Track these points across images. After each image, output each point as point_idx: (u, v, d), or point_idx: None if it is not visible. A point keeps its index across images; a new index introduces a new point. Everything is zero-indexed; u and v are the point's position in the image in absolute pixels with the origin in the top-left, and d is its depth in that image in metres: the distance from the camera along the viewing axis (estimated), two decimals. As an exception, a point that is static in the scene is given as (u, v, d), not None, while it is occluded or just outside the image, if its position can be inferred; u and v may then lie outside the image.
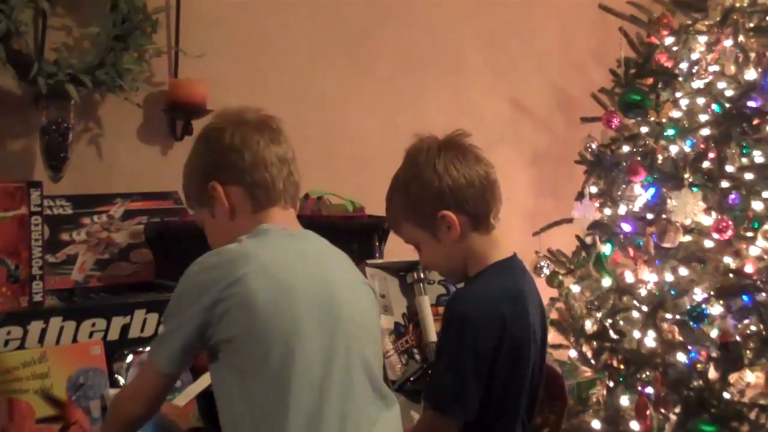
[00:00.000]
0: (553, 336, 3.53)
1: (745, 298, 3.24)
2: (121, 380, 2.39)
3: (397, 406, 1.95)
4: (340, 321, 1.84)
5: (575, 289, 3.68)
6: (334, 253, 1.99)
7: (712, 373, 3.24)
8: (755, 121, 3.32)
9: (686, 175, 3.37)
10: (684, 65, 3.58)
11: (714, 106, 3.43)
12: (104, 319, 2.40)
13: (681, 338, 3.34)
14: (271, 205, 1.93)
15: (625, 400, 3.42)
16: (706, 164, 3.41)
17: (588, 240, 3.66)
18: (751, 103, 3.35)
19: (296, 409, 1.73)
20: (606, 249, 3.63)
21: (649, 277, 3.47)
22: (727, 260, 3.33)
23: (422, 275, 2.63)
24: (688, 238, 3.41)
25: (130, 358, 2.41)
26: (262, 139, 1.94)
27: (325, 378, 1.78)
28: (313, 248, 1.95)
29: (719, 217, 3.28)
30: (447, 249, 2.03)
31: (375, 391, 1.88)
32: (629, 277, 3.56)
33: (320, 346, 1.79)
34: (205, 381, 2.39)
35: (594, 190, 3.71)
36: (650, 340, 3.40)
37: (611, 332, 3.50)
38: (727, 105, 3.38)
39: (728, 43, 3.46)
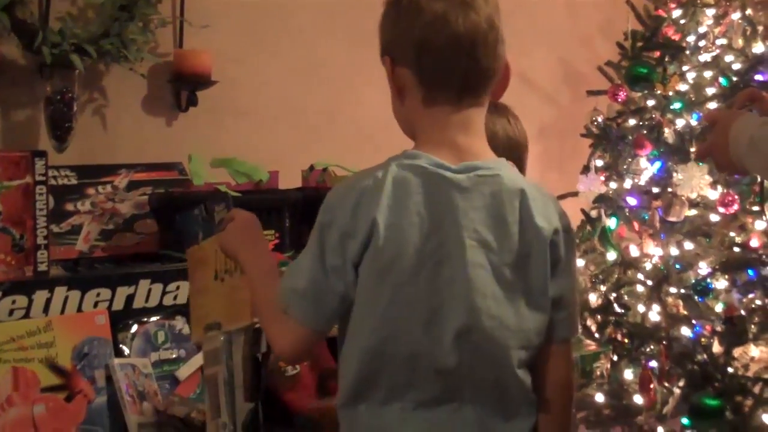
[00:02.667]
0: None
1: (750, 272, 3.23)
2: (126, 350, 2.39)
3: None
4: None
5: (580, 262, 3.67)
6: (503, 230, 1.57)
7: (717, 347, 3.23)
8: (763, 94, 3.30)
9: (692, 149, 3.35)
10: (691, 38, 3.55)
11: (721, 80, 3.42)
12: (109, 289, 2.41)
13: (685, 312, 3.33)
14: (444, 103, 1.57)
15: (629, 374, 3.41)
16: (712, 138, 3.39)
17: (593, 214, 3.65)
18: (758, 77, 3.33)
19: None
20: (611, 223, 3.61)
21: (654, 251, 3.46)
22: (733, 234, 3.32)
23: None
24: (693, 212, 3.39)
25: (134, 327, 2.42)
26: (443, 10, 1.53)
27: None
28: (474, 218, 1.55)
29: (725, 191, 3.27)
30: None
31: None
32: (634, 251, 3.55)
33: None
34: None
35: (600, 163, 3.69)
36: (655, 314, 3.39)
37: (616, 306, 3.49)
38: (735, 78, 3.36)
39: (736, 16, 3.45)
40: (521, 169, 2.11)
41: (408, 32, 1.56)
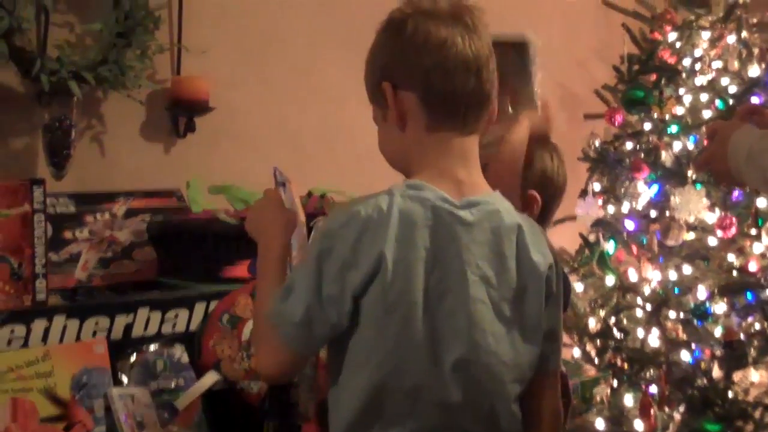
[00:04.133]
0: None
1: (749, 296, 3.24)
2: (125, 379, 2.38)
3: None
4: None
5: (579, 287, 3.68)
6: (501, 265, 1.59)
7: (717, 372, 3.23)
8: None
9: (690, 172, 3.36)
10: (687, 61, 3.58)
11: (717, 103, 3.44)
12: (107, 317, 2.39)
13: (685, 336, 3.34)
14: (450, 128, 1.59)
15: (629, 399, 3.41)
16: (710, 161, 3.39)
17: (591, 238, 3.65)
18: (754, 99, 3.34)
19: None
20: (609, 247, 3.62)
21: (652, 275, 3.47)
22: (731, 258, 3.33)
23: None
24: (691, 235, 3.40)
25: (133, 356, 2.40)
26: (450, 36, 1.57)
27: None
28: (477, 253, 1.57)
29: (723, 214, 3.28)
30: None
31: None
32: (633, 275, 3.55)
33: None
34: (209, 380, 2.38)
35: (597, 187, 3.70)
36: (654, 339, 3.39)
37: (615, 330, 3.49)
38: (731, 101, 3.38)
39: (731, 39, 3.48)
40: (549, 210, 2.11)
41: (415, 57, 1.57)
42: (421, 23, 1.58)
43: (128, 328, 2.42)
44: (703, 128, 3.42)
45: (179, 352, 2.46)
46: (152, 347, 2.44)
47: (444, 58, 1.56)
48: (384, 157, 1.70)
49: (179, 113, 3.05)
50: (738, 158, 1.81)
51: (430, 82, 1.57)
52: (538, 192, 2.04)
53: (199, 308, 2.53)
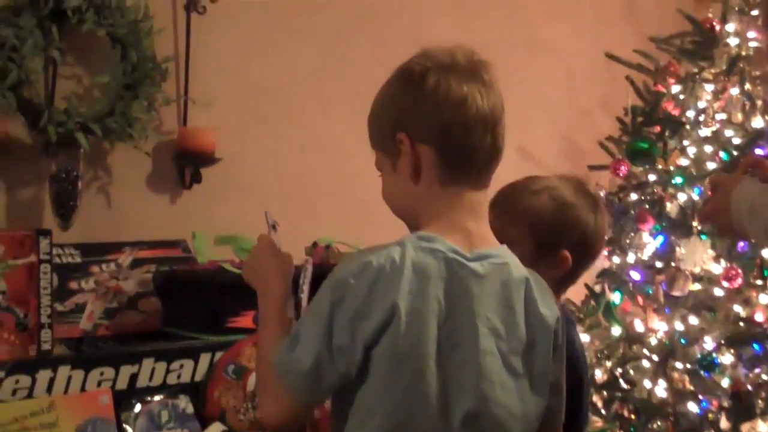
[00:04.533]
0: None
1: (756, 346, 3.22)
2: (129, 430, 2.37)
3: None
4: None
5: (585, 338, 3.66)
6: (512, 319, 1.60)
7: (724, 423, 3.21)
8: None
9: (695, 223, 3.36)
10: (691, 113, 3.59)
11: (722, 154, 3.44)
12: (112, 368, 2.39)
13: (692, 387, 3.32)
14: (463, 183, 1.60)
15: (636, 451, 3.39)
16: (715, 212, 3.40)
17: (597, 288, 3.65)
18: (758, 151, 3.35)
19: None
20: (615, 297, 3.62)
21: (659, 326, 3.46)
22: (737, 309, 3.32)
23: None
24: (697, 286, 3.40)
25: (138, 407, 2.40)
26: (470, 92, 1.58)
27: None
28: (487, 305, 1.58)
29: (728, 265, 3.28)
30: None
31: None
32: (639, 326, 3.54)
33: None
34: (213, 431, 2.38)
35: (602, 238, 3.70)
36: (661, 390, 3.37)
37: (622, 381, 3.47)
38: (735, 153, 3.39)
39: (735, 91, 3.49)
40: (580, 270, 2.10)
41: (435, 111, 1.58)
42: (442, 77, 1.58)
43: (133, 378, 2.42)
44: (707, 180, 3.43)
45: (184, 403, 2.46)
46: (157, 398, 2.44)
47: (464, 114, 1.57)
48: (389, 205, 1.70)
49: (185, 164, 3.07)
50: (740, 212, 1.82)
51: (449, 137, 1.58)
52: (573, 253, 2.04)
53: (204, 359, 2.53)
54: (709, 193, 2.17)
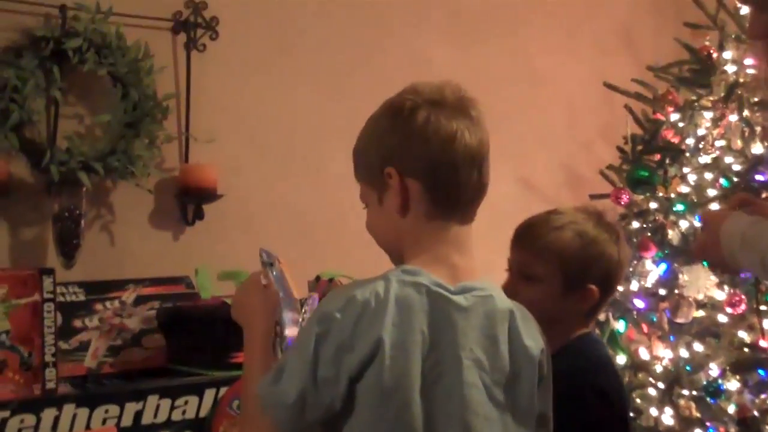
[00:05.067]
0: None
1: (761, 372, 3.21)
2: (135, 467, 2.37)
3: None
4: None
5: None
6: (495, 351, 1.60)
7: (732, 450, 3.20)
8: (763, 195, 3.32)
9: (697, 248, 3.36)
10: (690, 141, 3.60)
11: (722, 181, 3.45)
12: (117, 405, 2.39)
13: (698, 414, 3.31)
14: (449, 217, 1.61)
15: (645, 480, 3.37)
16: (716, 239, 3.40)
17: (601, 317, 3.64)
18: (758, 177, 3.35)
19: None
20: (620, 326, 3.61)
21: (664, 353, 3.45)
22: (742, 334, 3.31)
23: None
24: (701, 313, 3.39)
25: (143, 444, 2.40)
26: (459, 129, 1.59)
27: None
28: (471, 338, 1.58)
29: (732, 291, 3.27)
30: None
31: None
32: (644, 354, 3.53)
33: None
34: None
35: (605, 266, 3.70)
36: (668, 417, 3.36)
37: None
38: (735, 179, 3.39)
39: (733, 118, 3.49)
40: (603, 303, 2.12)
41: (425, 147, 1.58)
42: (432, 114, 1.59)
43: (138, 415, 2.41)
44: (709, 206, 3.44)
45: (189, 439, 2.46)
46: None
47: (453, 151, 1.58)
48: (373, 237, 1.70)
49: (188, 201, 3.08)
50: (732, 245, 1.82)
51: (437, 173, 1.59)
52: (598, 286, 2.06)
53: (209, 395, 2.53)
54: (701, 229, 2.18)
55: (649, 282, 3.56)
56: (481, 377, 1.57)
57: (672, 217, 3.54)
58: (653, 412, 3.41)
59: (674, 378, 3.35)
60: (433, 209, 1.60)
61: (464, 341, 1.56)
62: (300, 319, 1.83)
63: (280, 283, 1.80)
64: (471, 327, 1.57)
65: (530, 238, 2.09)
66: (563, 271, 2.03)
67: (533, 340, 1.65)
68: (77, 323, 2.68)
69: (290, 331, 1.73)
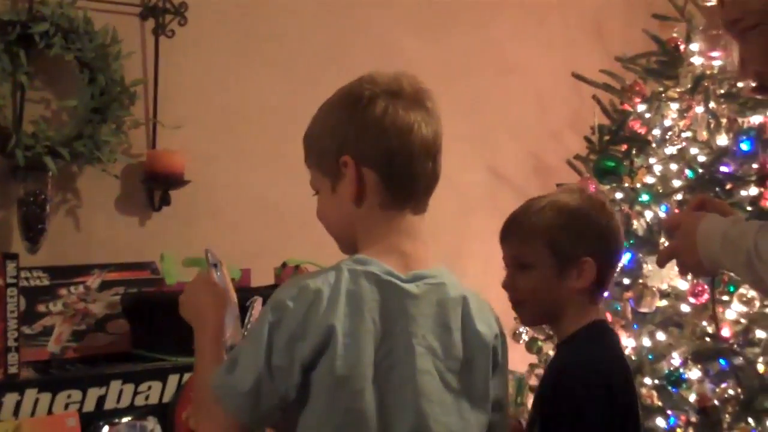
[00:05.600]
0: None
1: (722, 362, 3.25)
2: (96, 451, 2.38)
3: None
4: None
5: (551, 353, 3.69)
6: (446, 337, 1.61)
7: (692, 438, 3.24)
8: (728, 186, 3.36)
9: (662, 240, 3.39)
10: (657, 132, 3.63)
11: (687, 172, 3.47)
12: (80, 390, 2.40)
13: (660, 403, 3.34)
14: (403, 207, 1.62)
15: (605, 467, 3.40)
16: (680, 229, 3.43)
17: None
18: (723, 168, 3.39)
19: None
20: (584, 315, 3.63)
21: (627, 342, 3.48)
22: (704, 324, 3.35)
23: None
24: (664, 302, 3.42)
25: (105, 429, 2.40)
26: (416, 121, 1.60)
27: None
28: (423, 325, 1.59)
29: (695, 281, 3.30)
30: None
31: None
32: (608, 343, 3.56)
33: None
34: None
35: (571, 255, 3.72)
36: (630, 406, 3.39)
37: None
38: (700, 170, 3.42)
39: (700, 109, 3.51)
40: (611, 262, 2.06)
41: (382, 137, 1.59)
42: (390, 105, 1.60)
43: (101, 400, 2.43)
44: (674, 197, 3.47)
45: (152, 425, 2.47)
46: (125, 419, 2.44)
47: (410, 142, 1.60)
48: (324, 225, 1.71)
49: (154, 187, 3.08)
50: (711, 246, 1.79)
51: (393, 163, 1.60)
52: (594, 258, 1.99)
53: (173, 380, 2.54)
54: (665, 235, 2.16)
55: (613, 272, 3.59)
56: (435, 364, 1.58)
57: (637, 208, 3.56)
58: (616, 400, 3.44)
59: (637, 367, 3.38)
60: (387, 199, 1.61)
61: (416, 329, 1.57)
62: (245, 322, 1.84)
63: (224, 286, 1.81)
64: (423, 315, 1.58)
65: (514, 228, 2.08)
66: (552, 250, 2.00)
67: (487, 326, 1.66)
68: (41, 308, 2.68)
69: (230, 335, 1.74)
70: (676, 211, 3.43)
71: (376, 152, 1.60)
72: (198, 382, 1.70)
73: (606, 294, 2.07)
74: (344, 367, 1.50)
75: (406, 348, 1.56)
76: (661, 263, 2.02)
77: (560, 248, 1.99)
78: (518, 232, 2.07)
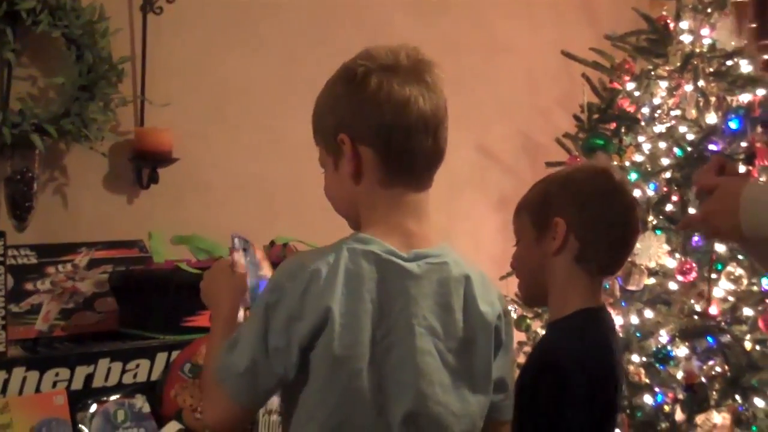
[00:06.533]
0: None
1: (709, 339, 3.26)
2: (85, 430, 2.38)
3: None
4: None
5: (543, 332, 3.69)
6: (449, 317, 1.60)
7: (679, 415, 3.24)
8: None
9: (650, 218, 3.40)
10: (646, 110, 3.62)
11: (676, 150, 3.48)
12: (68, 368, 2.40)
13: (647, 380, 3.35)
14: (404, 184, 1.60)
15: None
16: (669, 207, 3.44)
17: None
18: (712, 147, 3.39)
19: None
20: (572, 292, 3.64)
21: (615, 320, 3.49)
22: (692, 302, 3.36)
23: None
24: (652, 280, 3.43)
25: (93, 407, 2.41)
26: (413, 95, 1.57)
27: None
28: (423, 305, 1.58)
29: (683, 259, 3.31)
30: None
31: None
32: (596, 320, 3.57)
33: None
34: (170, 430, 2.39)
35: (560, 233, 3.73)
36: (617, 383, 3.41)
37: (579, 375, 3.50)
38: (689, 148, 3.42)
39: (689, 87, 3.52)
40: (592, 226, 2.00)
41: (377, 114, 1.57)
42: (384, 80, 1.57)
43: (89, 378, 2.43)
44: (663, 175, 3.47)
45: (140, 402, 2.48)
46: (113, 398, 2.45)
47: (406, 117, 1.56)
48: (330, 202, 1.70)
49: (142, 165, 3.07)
50: (757, 212, 1.74)
51: (390, 140, 1.56)
52: (570, 219, 1.97)
53: (161, 358, 2.55)
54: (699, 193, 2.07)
55: (602, 249, 3.59)
56: (435, 344, 1.58)
57: (626, 186, 3.56)
58: (603, 377, 3.46)
59: (624, 344, 3.39)
60: (387, 176, 1.59)
61: (416, 309, 1.56)
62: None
63: (254, 268, 1.81)
64: (423, 294, 1.57)
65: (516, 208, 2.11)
66: (530, 216, 2.02)
67: (490, 306, 1.64)
68: (29, 286, 2.68)
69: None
70: (665, 190, 3.44)
71: (371, 129, 1.58)
72: (206, 365, 1.72)
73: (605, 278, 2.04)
74: (342, 347, 1.50)
75: (405, 328, 1.55)
76: (686, 227, 1.93)
77: (536, 214, 2.02)
78: (515, 210, 2.09)
